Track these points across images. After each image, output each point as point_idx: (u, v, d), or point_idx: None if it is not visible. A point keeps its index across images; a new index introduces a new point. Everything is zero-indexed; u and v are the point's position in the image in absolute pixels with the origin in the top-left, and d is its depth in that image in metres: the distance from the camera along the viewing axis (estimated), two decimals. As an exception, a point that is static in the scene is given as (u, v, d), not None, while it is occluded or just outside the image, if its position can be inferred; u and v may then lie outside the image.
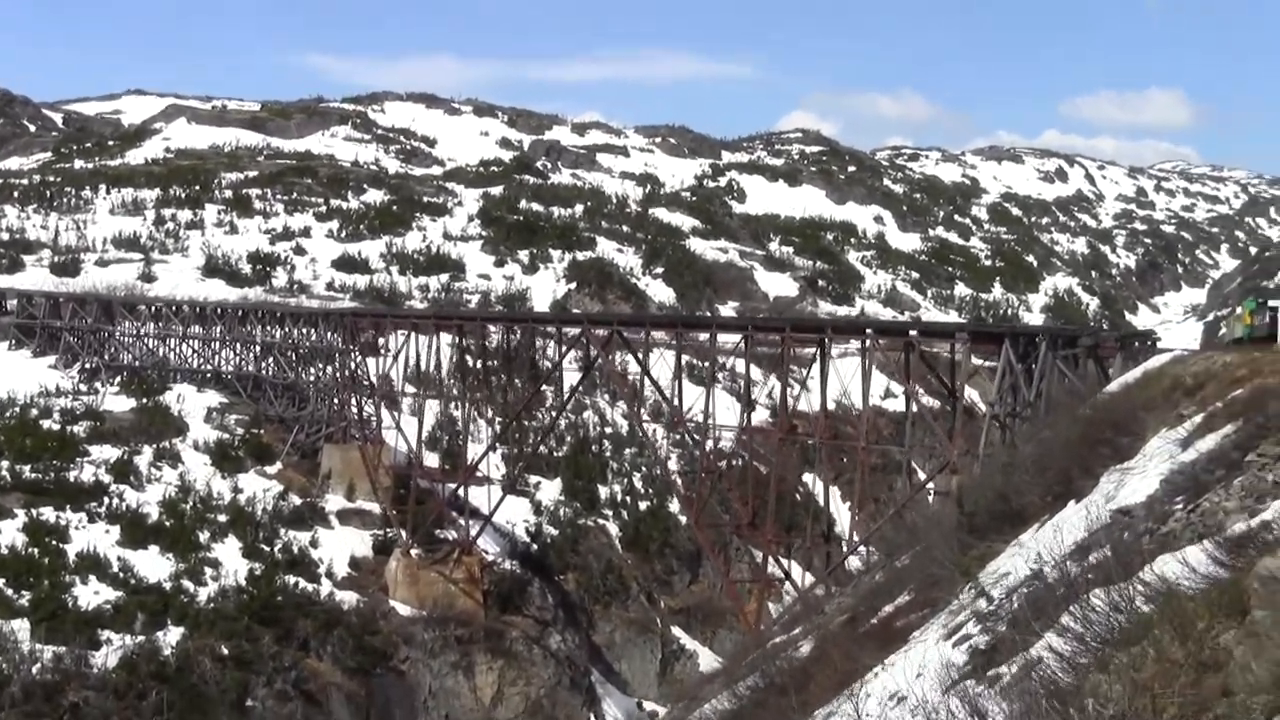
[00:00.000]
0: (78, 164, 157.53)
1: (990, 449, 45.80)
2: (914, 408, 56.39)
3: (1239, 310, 50.49)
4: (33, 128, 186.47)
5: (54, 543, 71.73)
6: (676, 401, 64.83)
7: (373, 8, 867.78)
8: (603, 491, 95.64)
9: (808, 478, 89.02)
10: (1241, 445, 25.55)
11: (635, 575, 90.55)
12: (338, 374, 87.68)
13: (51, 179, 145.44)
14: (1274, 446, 23.92)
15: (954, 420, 53.52)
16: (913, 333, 55.81)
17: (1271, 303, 42.78)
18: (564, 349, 75.41)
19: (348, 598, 75.51)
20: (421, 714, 73.83)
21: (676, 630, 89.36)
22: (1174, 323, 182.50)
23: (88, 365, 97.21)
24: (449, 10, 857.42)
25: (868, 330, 57.29)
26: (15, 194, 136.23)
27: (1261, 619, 9.07)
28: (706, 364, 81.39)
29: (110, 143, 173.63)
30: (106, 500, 76.55)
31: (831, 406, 68.46)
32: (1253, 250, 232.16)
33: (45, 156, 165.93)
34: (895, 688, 26.57)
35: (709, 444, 69.51)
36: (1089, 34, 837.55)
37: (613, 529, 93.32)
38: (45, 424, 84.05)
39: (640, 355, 67.76)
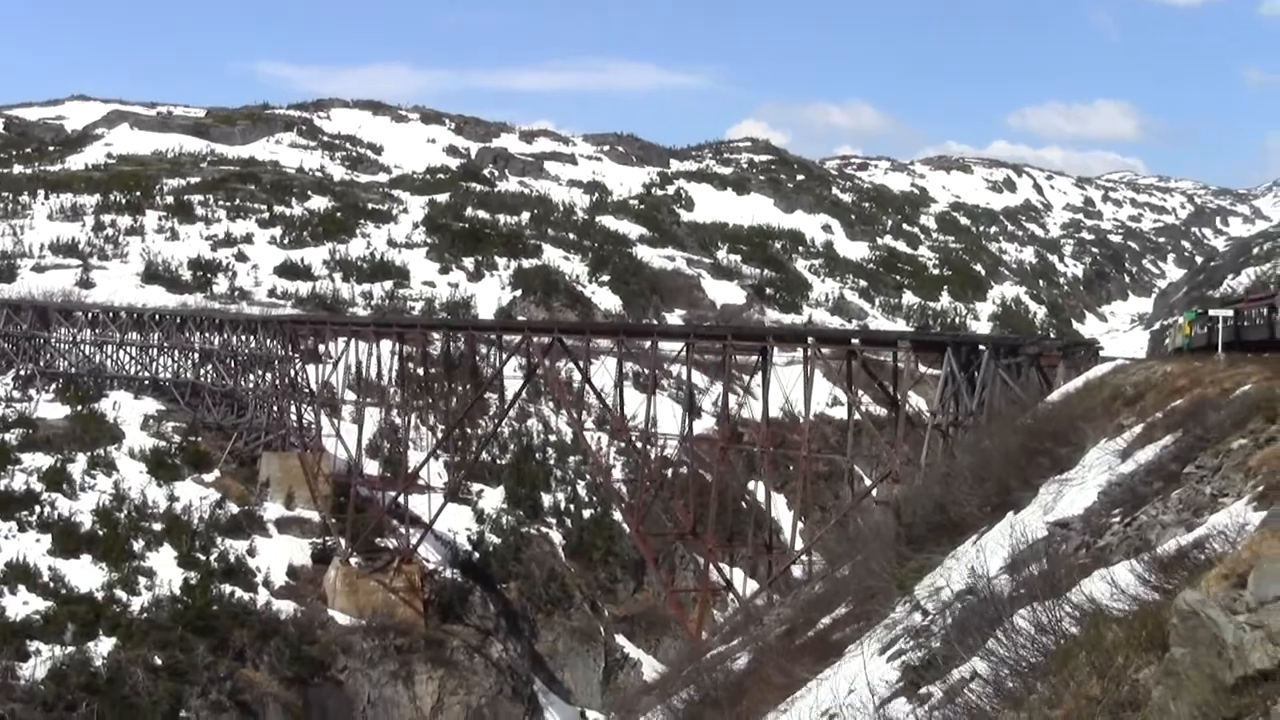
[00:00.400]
0: (16, 169, 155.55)
1: (931, 458, 45.17)
2: (856, 416, 55.70)
3: (1180, 320, 50.23)
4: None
5: (-17, 551, 70.62)
6: (618, 410, 64.22)
7: (327, 17, 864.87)
8: (546, 499, 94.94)
9: (754, 485, 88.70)
10: (1180, 457, 24.97)
11: (579, 584, 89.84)
12: (277, 381, 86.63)
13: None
14: (1212, 459, 23.34)
15: (897, 429, 52.86)
16: (855, 341, 55.18)
17: (1212, 312, 42.37)
18: (505, 356, 74.75)
19: (285, 607, 74.66)
20: (360, 723, 72.95)
21: (620, 639, 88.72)
22: (1121, 331, 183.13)
23: (22, 372, 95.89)
24: (403, 19, 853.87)
25: (809, 338, 56.57)
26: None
27: (1180, 657, 8.37)
28: (649, 372, 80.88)
29: (51, 148, 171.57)
30: (38, 509, 75.56)
31: (777, 414, 68.35)
32: (1198, 260, 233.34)
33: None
34: (827, 704, 25.91)
35: (652, 452, 69.01)
36: (1037, 46, 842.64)
37: (556, 537, 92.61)
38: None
39: (581, 363, 66.88)
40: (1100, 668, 9.57)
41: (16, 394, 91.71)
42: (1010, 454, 33.99)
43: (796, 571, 55.90)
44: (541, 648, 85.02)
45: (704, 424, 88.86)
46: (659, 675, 66.05)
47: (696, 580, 76.23)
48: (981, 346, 48.80)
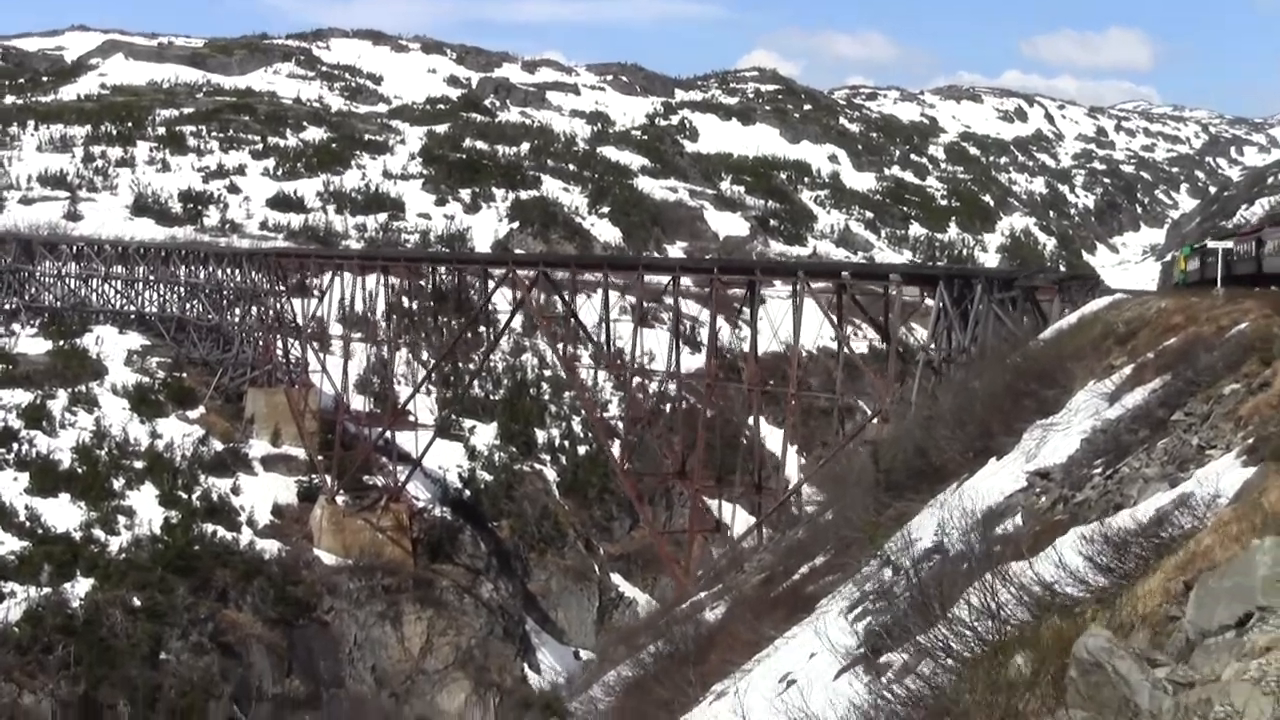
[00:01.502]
0: (8, 100, 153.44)
1: (921, 397, 43.45)
2: (845, 351, 53.95)
3: (1178, 254, 48.49)
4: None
5: (-44, 492, 69.33)
6: (605, 344, 62.65)
7: None
8: (540, 436, 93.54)
9: (753, 420, 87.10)
10: (1168, 402, 23.24)
11: (573, 522, 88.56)
12: (263, 315, 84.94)
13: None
14: (1202, 405, 21.63)
15: (888, 365, 51.16)
16: (845, 274, 53.24)
17: (1211, 244, 40.53)
18: (490, 290, 73.01)
19: (269, 546, 73.49)
20: (346, 665, 72.02)
21: (616, 577, 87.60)
22: (1132, 263, 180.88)
23: (7, 306, 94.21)
24: None
25: (800, 272, 54.67)
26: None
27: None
28: (647, 305, 79.27)
29: (44, 79, 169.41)
30: (16, 447, 74.16)
31: (779, 348, 66.53)
32: (1212, 190, 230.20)
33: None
34: (787, 668, 24.33)
35: (647, 387, 67.47)
36: None
37: (550, 474, 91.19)
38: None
39: (567, 296, 65.15)
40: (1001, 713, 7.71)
41: (0, 329, 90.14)
42: (994, 396, 32.29)
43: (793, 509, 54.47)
44: (534, 587, 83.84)
45: (703, 359, 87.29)
46: (641, 620, 64.88)
47: (694, 518, 74.73)
48: (975, 280, 46.91)
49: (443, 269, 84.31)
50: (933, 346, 47.63)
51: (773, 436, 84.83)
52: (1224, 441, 19.25)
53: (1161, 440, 21.40)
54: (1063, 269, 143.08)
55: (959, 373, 41.07)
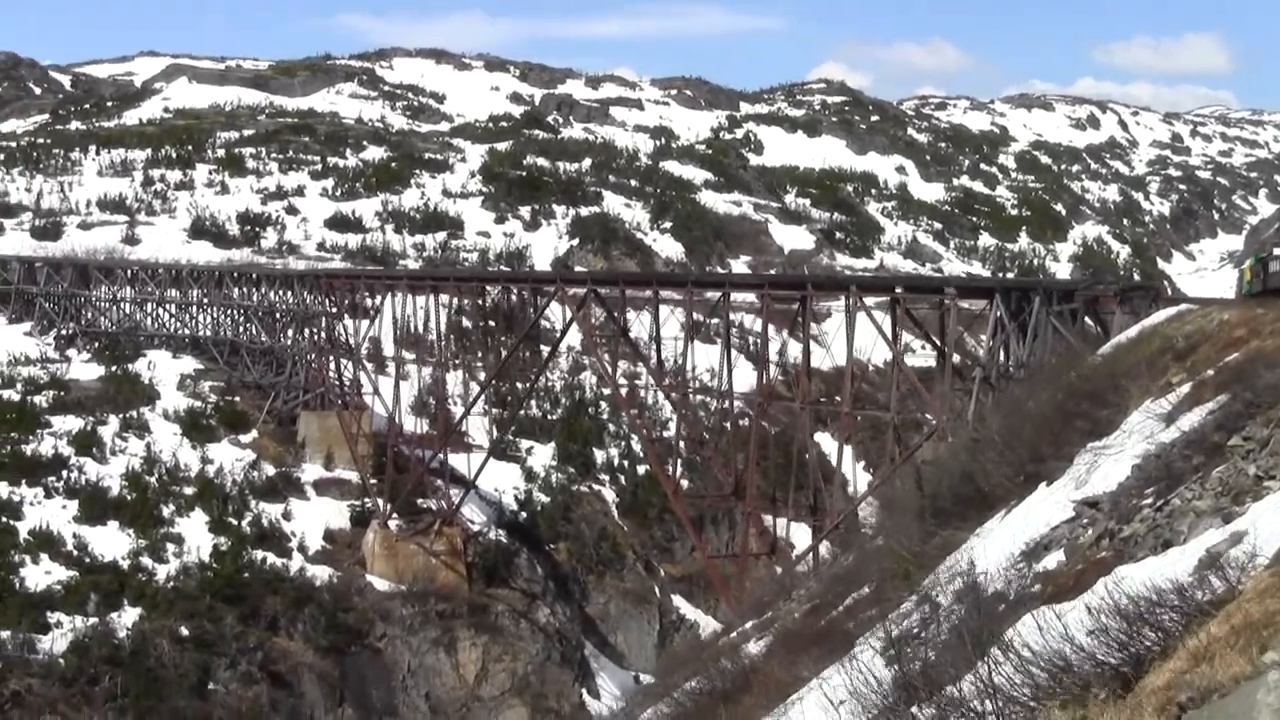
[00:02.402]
0: (73, 125, 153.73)
1: (977, 415, 41.54)
2: (900, 368, 51.94)
3: (1246, 264, 46.39)
4: (38, 90, 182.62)
5: (5, 520, 68.58)
6: (657, 362, 61.05)
7: None
8: (599, 456, 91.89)
9: (821, 438, 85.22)
10: (1225, 425, 21.31)
11: (632, 543, 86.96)
12: (315, 337, 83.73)
13: (42, 141, 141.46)
14: (1262, 429, 19.72)
15: (944, 382, 49.22)
16: (898, 289, 51.41)
17: (1278, 251, 38.44)
18: (540, 309, 71.58)
19: (321, 573, 72.20)
20: (400, 694, 70.71)
21: (677, 599, 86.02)
22: (1209, 270, 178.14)
23: (64, 332, 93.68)
24: None
25: (851, 286, 52.87)
26: (2, 157, 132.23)
27: None
28: (713, 322, 77.79)
29: (109, 103, 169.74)
30: (65, 474, 73.35)
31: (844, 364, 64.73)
32: None
33: (42, 119, 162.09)
34: (817, 716, 22.64)
35: (704, 405, 65.77)
36: None
37: (609, 495, 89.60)
38: (6, 394, 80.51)
39: (616, 314, 63.60)
40: None
41: (55, 354, 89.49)
42: (1045, 417, 30.37)
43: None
44: (593, 610, 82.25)
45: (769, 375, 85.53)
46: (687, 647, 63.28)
47: (758, 539, 72.73)
48: (1032, 292, 44.99)
49: (495, 288, 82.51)
50: (989, 361, 45.87)
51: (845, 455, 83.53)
52: (1283, 471, 17.43)
53: (1217, 468, 19.55)
54: (1136, 278, 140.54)
55: (1012, 390, 39.18)
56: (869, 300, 52.67)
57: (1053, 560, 21.71)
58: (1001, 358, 45.60)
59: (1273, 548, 12.09)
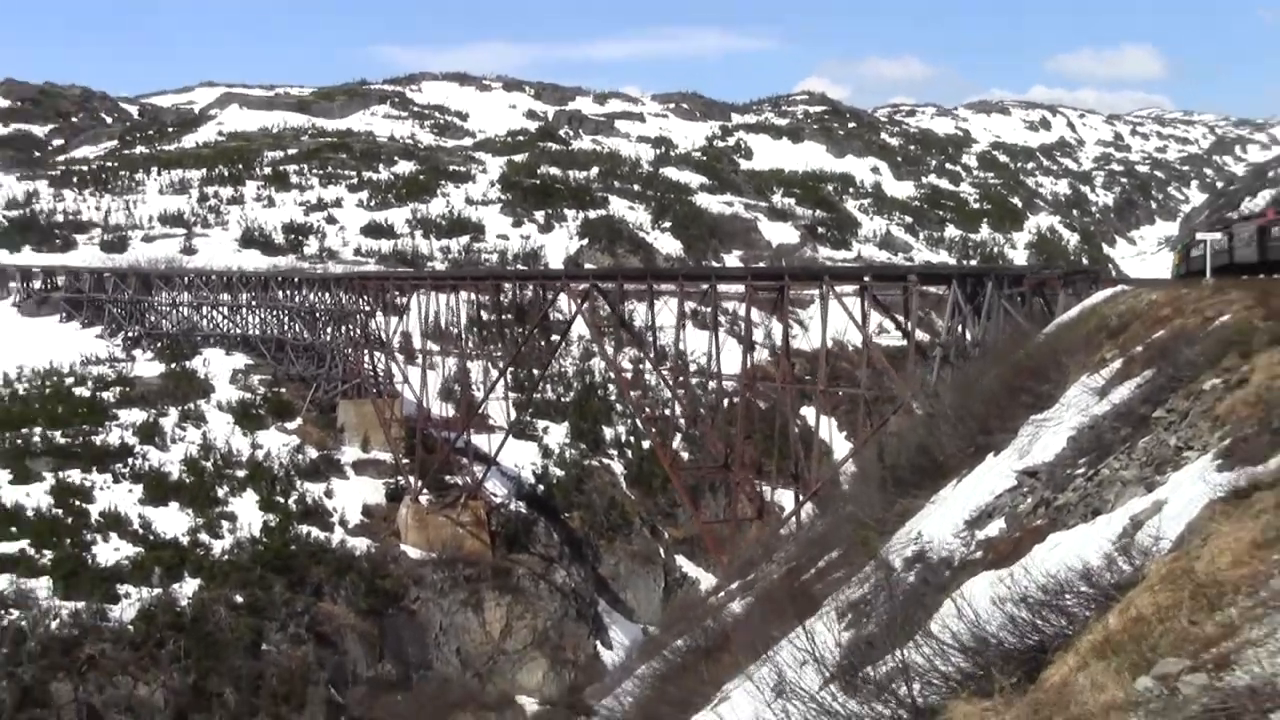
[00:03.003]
0: (138, 150, 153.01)
1: (933, 388, 40.71)
2: (869, 348, 51.07)
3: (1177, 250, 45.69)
4: (109, 120, 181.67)
5: (78, 503, 68.36)
6: (652, 348, 60.32)
7: (431, 3, 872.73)
8: (608, 433, 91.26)
9: (808, 412, 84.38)
10: (1151, 398, 20.48)
11: (639, 510, 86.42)
12: (351, 333, 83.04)
13: (110, 164, 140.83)
14: (1182, 401, 18.89)
15: (908, 361, 48.42)
16: (866, 278, 50.48)
17: (1199, 236, 37.67)
18: (547, 303, 70.93)
19: (360, 544, 71.76)
20: (433, 649, 70.24)
21: (680, 559, 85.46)
22: (1149, 254, 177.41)
23: (130, 334, 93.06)
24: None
25: (824, 276, 52.05)
26: (75, 179, 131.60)
27: None
28: (703, 309, 76.98)
29: (169, 129, 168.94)
30: (131, 461, 73.02)
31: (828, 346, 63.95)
32: (1219, 185, 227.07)
33: (111, 145, 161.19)
34: (778, 677, 21.83)
35: (702, 386, 65.18)
36: None
37: (618, 468, 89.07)
38: (79, 391, 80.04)
39: (616, 306, 62.92)
40: None
41: (122, 354, 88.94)
42: (993, 393, 29.55)
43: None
44: (604, 571, 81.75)
45: (758, 356, 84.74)
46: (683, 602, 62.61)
47: (752, 505, 71.92)
48: (985, 278, 44.16)
49: (509, 285, 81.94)
50: (948, 340, 45.07)
51: (827, 427, 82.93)
52: (1200, 442, 16.62)
53: (1143, 439, 18.74)
54: (1085, 262, 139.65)
55: (966, 367, 38.37)
56: (844, 288, 51.78)
57: (995, 527, 20.95)
58: (962, 337, 44.84)
59: (1189, 514, 11.32)
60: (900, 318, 52.11)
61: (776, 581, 33.88)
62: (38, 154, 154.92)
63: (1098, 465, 19.27)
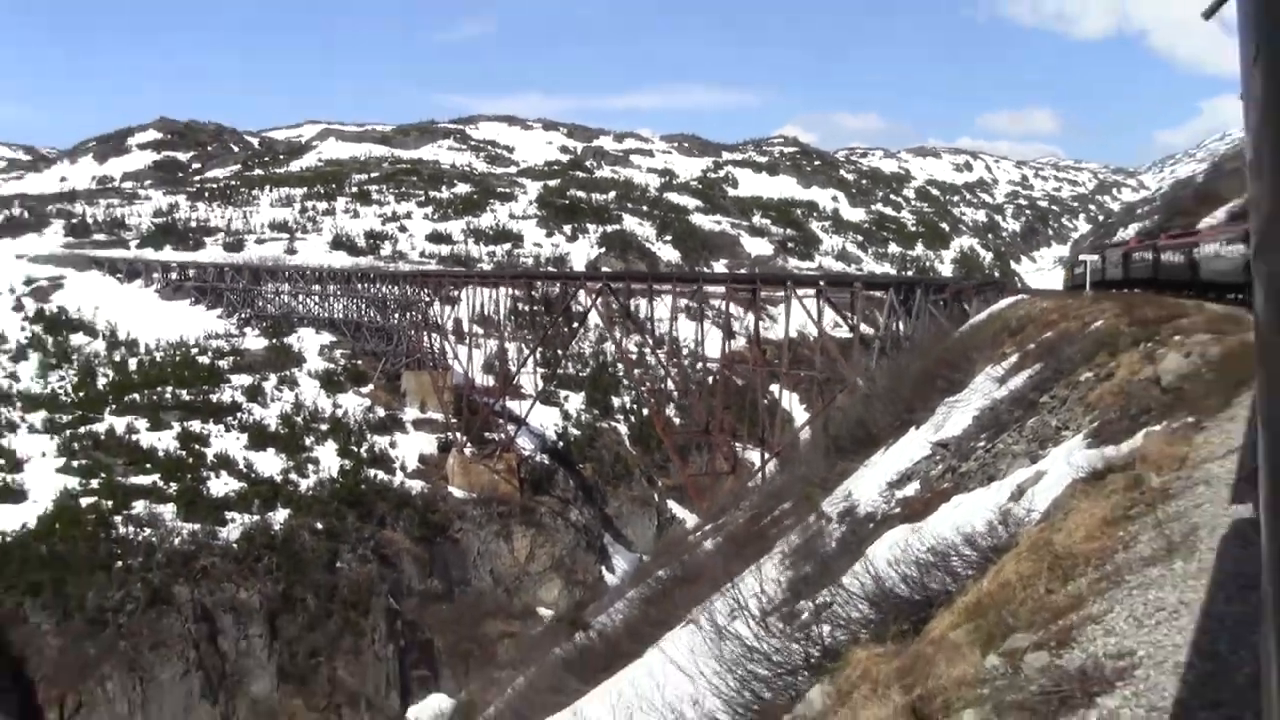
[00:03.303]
0: (255, 172, 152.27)
1: (872, 373, 40.09)
2: (822, 341, 50.40)
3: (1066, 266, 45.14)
4: (235, 148, 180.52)
5: (197, 447, 67.83)
6: (651, 336, 59.59)
7: (488, 63, 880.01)
8: (616, 401, 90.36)
9: (774, 389, 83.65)
10: (1039, 387, 19.85)
11: (639, 464, 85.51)
12: (413, 318, 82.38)
13: (233, 183, 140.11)
14: (1063, 390, 18.26)
15: (853, 350, 47.76)
16: (821, 283, 49.82)
17: (1081, 257, 37.17)
18: (567, 298, 70.24)
19: (415, 485, 71.09)
20: (471, 570, 69.74)
21: (671, 503, 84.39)
22: (1046, 269, 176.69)
23: (243, 316, 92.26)
24: (537, 59, 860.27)
25: (788, 281, 51.41)
26: (206, 195, 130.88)
27: None
28: (696, 305, 76.20)
29: (280, 156, 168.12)
30: (239, 415, 72.47)
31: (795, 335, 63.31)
32: (1100, 217, 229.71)
33: (236, 168, 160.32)
34: (731, 608, 21.23)
35: (692, 366, 64.49)
36: (992, 72, 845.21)
37: (623, 429, 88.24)
38: (201, 359, 79.54)
39: (623, 302, 62.26)
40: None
41: (236, 332, 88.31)
42: (916, 378, 28.90)
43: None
44: (609, 511, 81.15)
45: (738, 344, 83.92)
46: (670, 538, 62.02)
47: (728, 462, 71.15)
48: (916, 287, 43.50)
49: (539, 283, 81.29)
50: (884, 335, 44.43)
51: (789, 402, 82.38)
52: (1075, 424, 16.02)
53: (1031, 420, 18.13)
54: (996, 275, 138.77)
55: (898, 357, 37.68)
56: (804, 291, 51.10)
57: (911, 488, 20.34)
58: (896, 332, 44.22)
59: (1059, 486, 10.75)
60: (848, 315, 51.39)
61: (741, 525, 33.23)
62: (180, 175, 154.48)
63: (994, 440, 18.67)
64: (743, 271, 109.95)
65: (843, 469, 28.22)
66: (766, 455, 52.45)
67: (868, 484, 24.10)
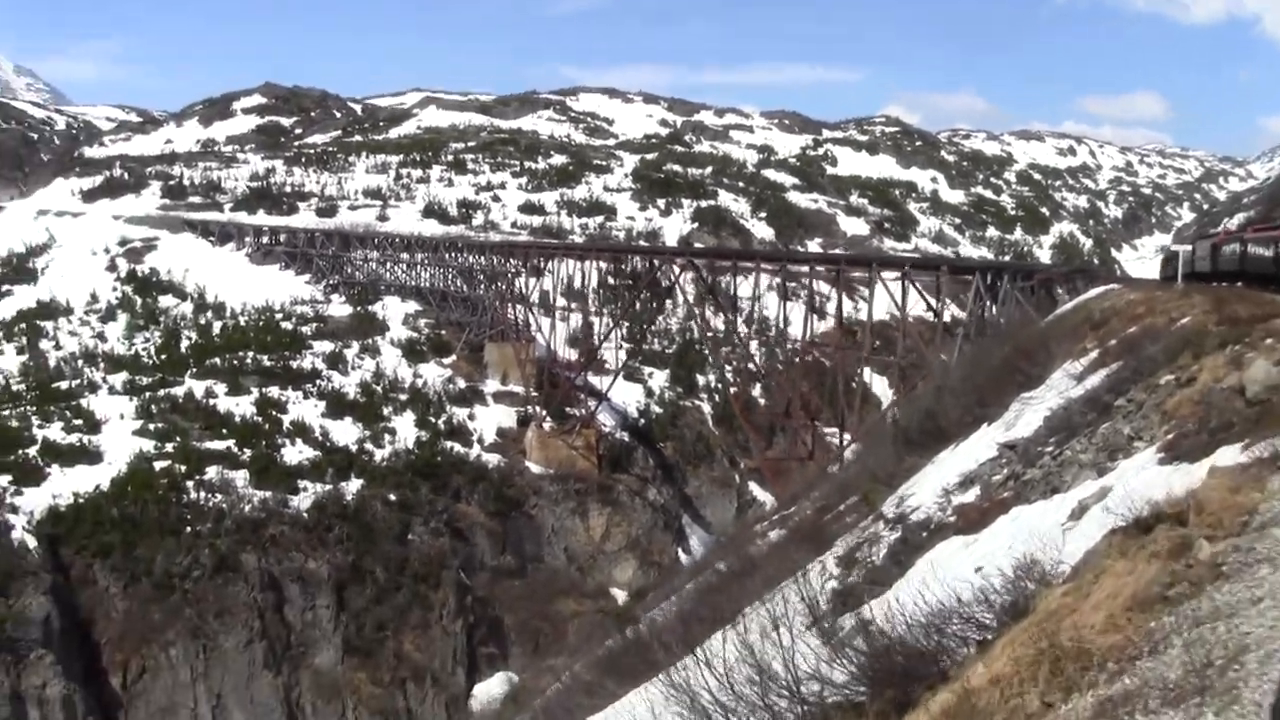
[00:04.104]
0: (355, 138, 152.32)
1: (946, 363, 38.03)
2: (904, 325, 48.26)
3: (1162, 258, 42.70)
4: (338, 115, 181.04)
5: (274, 413, 67.49)
6: (735, 316, 57.84)
7: (599, 34, 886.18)
8: (700, 380, 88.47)
9: (863, 371, 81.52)
10: (1116, 388, 17.89)
11: (720, 444, 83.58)
12: (499, 289, 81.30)
13: (331, 149, 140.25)
14: (1141, 393, 16.30)
15: (937, 336, 45.65)
16: (906, 266, 47.65)
17: (1174, 248, 34.93)
18: (649, 273, 68.67)
19: (492, 459, 70.14)
20: (546, 546, 68.74)
21: (752, 485, 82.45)
22: (1147, 258, 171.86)
23: (330, 282, 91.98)
24: (647, 30, 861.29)
25: (873, 263, 49.37)
26: (303, 160, 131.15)
27: None
28: (791, 285, 74.19)
29: (380, 124, 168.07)
30: (319, 383, 72.10)
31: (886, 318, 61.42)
32: (1205, 207, 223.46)
33: (336, 134, 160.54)
34: (781, 611, 19.60)
35: (773, 347, 62.68)
36: (1099, 51, 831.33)
37: (706, 408, 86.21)
38: (285, 325, 79.34)
39: (707, 279, 60.52)
40: None
41: (322, 298, 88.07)
42: (992, 370, 26.94)
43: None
44: (689, 491, 79.34)
45: (828, 324, 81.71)
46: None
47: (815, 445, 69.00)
48: (1004, 272, 41.31)
49: (632, 257, 79.68)
50: (969, 322, 42.33)
51: (883, 386, 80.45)
52: (1150, 434, 14.13)
53: (1104, 425, 16.21)
54: (1096, 262, 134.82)
55: (978, 347, 35.59)
56: (891, 273, 49.00)
57: (972, 494, 18.53)
58: (982, 318, 42.10)
59: (1132, 501, 9.00)
60: (932, 300, 49.21)
61: (806, 519, 31.55)
62: (282, 140, 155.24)
63: (1063, 446, 16.80)
64: (837, 250, 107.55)
65: (911, 464, 26.44)
66: (844, 441, 50.57)
67: (931, 484, 22.35)
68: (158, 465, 59.15)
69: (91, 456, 59.13)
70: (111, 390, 67.73)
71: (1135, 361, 17.77)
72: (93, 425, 62.34)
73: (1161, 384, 15.63)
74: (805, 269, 61.65)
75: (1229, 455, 10.74)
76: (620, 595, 66.19)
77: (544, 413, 73.65)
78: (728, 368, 77.76)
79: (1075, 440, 16.52)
